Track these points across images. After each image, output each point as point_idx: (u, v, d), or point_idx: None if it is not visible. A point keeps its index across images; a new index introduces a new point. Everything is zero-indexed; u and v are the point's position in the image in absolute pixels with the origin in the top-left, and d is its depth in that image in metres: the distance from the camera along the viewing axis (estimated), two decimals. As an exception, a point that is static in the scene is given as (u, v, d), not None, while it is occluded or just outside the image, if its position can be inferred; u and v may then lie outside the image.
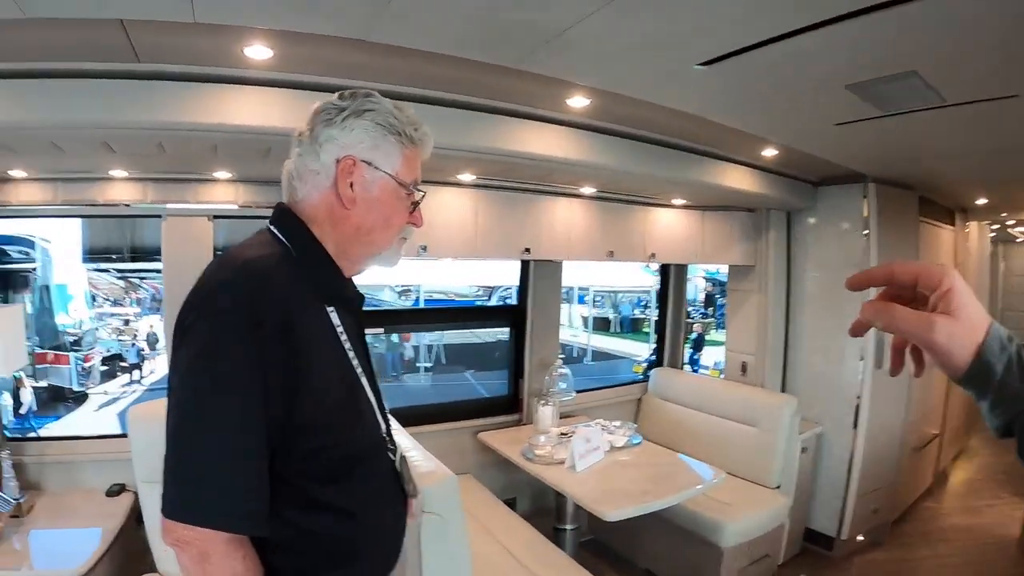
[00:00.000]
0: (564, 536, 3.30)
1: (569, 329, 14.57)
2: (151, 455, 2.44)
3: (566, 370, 3.84)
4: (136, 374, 9.65)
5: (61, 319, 9.18)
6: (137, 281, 12.30)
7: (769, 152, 3.32)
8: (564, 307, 15.04)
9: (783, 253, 4.25)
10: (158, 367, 9.82)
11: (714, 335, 15.31)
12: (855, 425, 3.89)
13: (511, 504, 3.89)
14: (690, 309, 15.00)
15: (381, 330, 3.57)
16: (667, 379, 4.48)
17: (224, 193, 3.08)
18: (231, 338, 0.98)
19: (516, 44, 1.86)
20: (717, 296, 14.65)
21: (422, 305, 13.57)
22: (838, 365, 4.00)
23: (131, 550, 2.57)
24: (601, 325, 16.39)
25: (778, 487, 3.69)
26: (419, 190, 1.24)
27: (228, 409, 0.98)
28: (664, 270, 4.80)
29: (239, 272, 1.04)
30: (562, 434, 3.49)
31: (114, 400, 8.97)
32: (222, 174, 2.95)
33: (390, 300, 13.40)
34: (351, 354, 1.20)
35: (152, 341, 10.84)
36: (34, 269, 8.57)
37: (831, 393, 4.04)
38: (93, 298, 10.87)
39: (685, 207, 4.04)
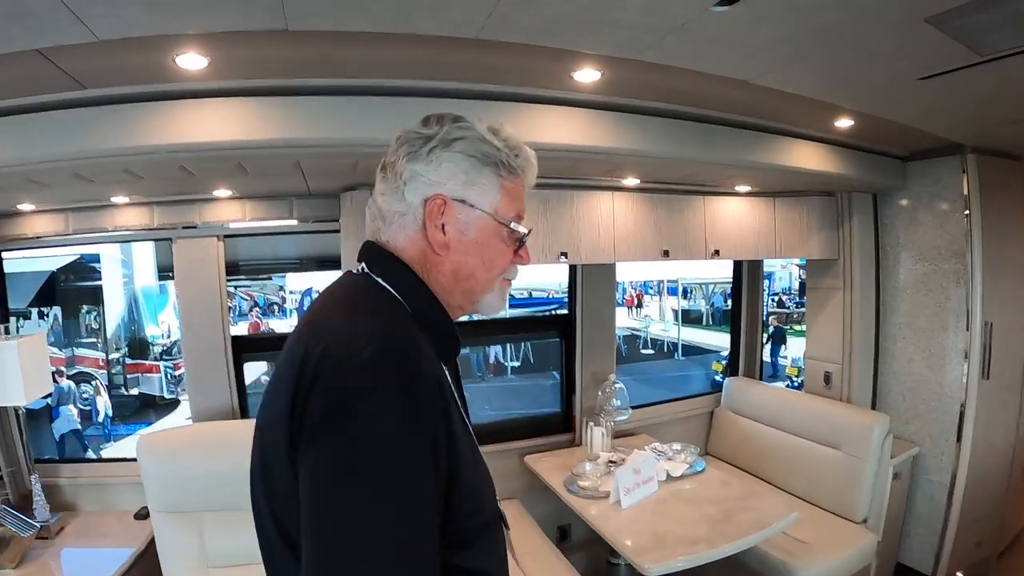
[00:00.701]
0: (618, 572, 2.91)
1: (660, 323, 13.96)
2: (162, 485, 2.42)
3: (621, 385, 3.43)
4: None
5: (151, 330, 9.71)
6: (232, 291, 12.95)
7: (843, 123, 2.77)
8: (654, 300, 14.49)
9: (870, 242, 3.63)
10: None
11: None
12: (958, 439, 3.25)
13: (565, 531, 3.55)
14: (784, 298, 14.21)
15: None
16: (742, 390, 3.96)
17: (231, 211, 2.90)
18: (401, 429, 0.80)
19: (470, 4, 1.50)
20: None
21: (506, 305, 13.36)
22: (939, 371, 3.36)
23: (149, 573, 2.49)
24: (693, 318, 15.74)
25: (865, 521, 3.12)
26: (521, 227, 1.06)
27: (409, 516, 0.79)
28: (736, 265, 4.26)
29: (387, 350, 0.84)
30: (611, 462, 3.09)
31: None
32: (223, 192, 2.76)
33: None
34: (462, 410, 1.05)
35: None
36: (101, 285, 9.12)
37: (930, 405, 3.41)
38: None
39: (751, 194, 3.51)
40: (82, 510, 2.94)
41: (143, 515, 2.73)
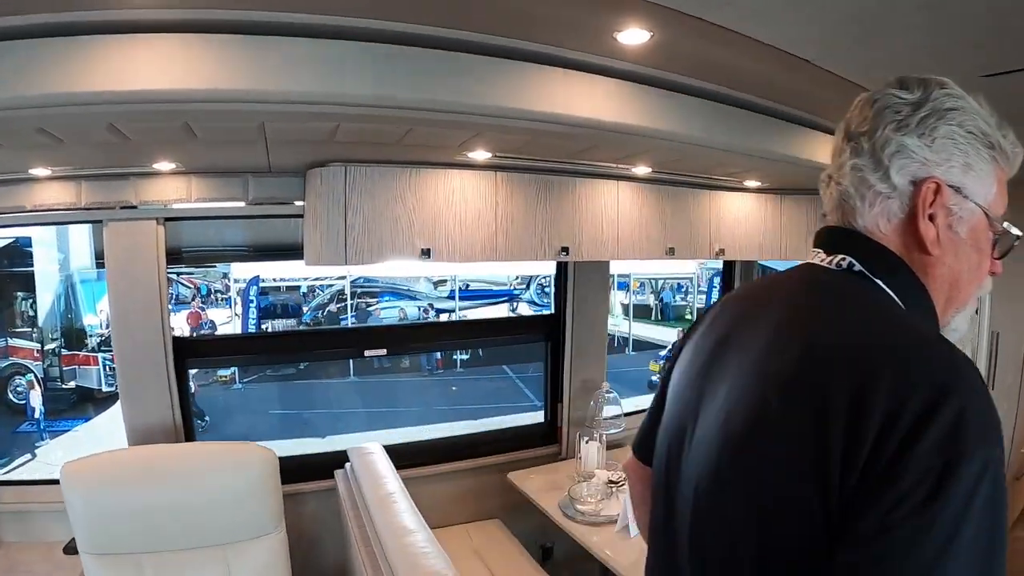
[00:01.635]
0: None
1: (610, 318, 13.77)
2: (91, 523, 2.03)
3: (615, 394, 3.07)
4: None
5: (89, 320, 9.01)
6: (174, 277, 12.08)
7: None
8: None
9: (877, 244, 3.38)
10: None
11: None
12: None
13: (547, 551, 3.16)
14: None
15: (383, 352, 2.85)
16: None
17: (174, 189, 2.38)
18: (999, 504, 0.61)
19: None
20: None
21: (457, 296, 12.97)
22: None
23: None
24: (641, 313, 15.63)
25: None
26: (1015, 229, 0.87)
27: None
28: (728, 264, 3.95)
29: (986, 394, 0.68)
30: (611, 482, 2.72)
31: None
32: (165, 165, 2.24)
33: (426, 290, 12.84)
34: None
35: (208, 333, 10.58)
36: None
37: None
38: None
39: (759, 191, 3.19)
40: (3, 541, 2.46)
41: (74, 549, 2.23)
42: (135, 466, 2.15)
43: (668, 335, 13.24)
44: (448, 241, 2.32)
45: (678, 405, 0.88)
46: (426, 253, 2.27)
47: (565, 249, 2.52)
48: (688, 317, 13.91)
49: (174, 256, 2.67)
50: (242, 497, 2.21)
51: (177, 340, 2.57)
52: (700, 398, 0.82)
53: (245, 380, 9.80)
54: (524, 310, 13.69)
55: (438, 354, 11.22)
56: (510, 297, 13.91)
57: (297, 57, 1.42)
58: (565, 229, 2.54)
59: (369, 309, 12.13)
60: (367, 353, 2.77)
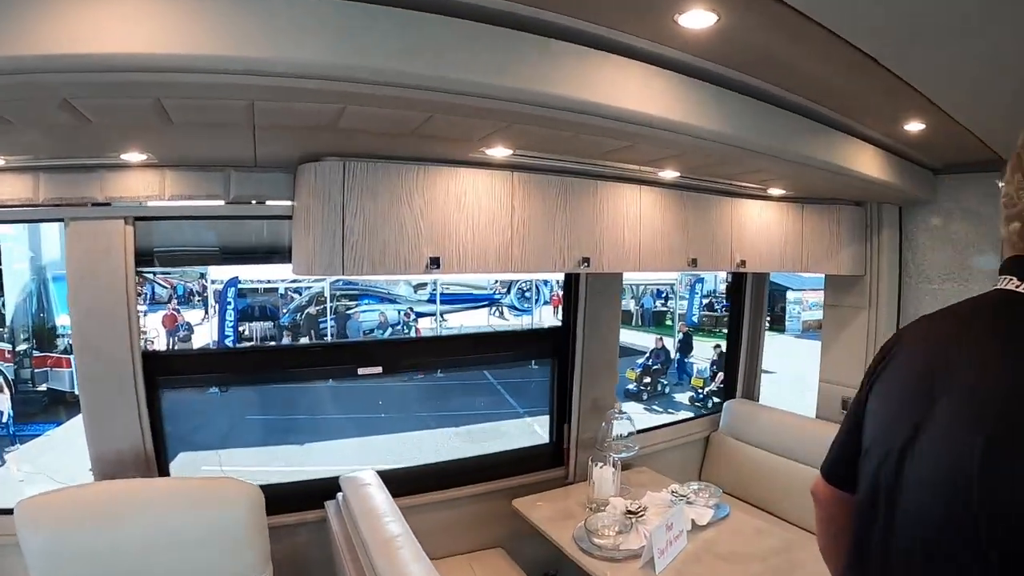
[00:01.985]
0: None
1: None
2: (52, 566, 1.73)
3: (627, 414, 2.78)
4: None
5: (62, 320, 8.54)
6: (150, 276, 11.53)
7: (913, 126, 2.28)
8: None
9: (897, 258, 3.15)
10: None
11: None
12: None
13: (554, 581, 2.87)
14: (711, 300, 14.11)
15: (378, 370, 2.52)
16: (745, 415, 3.40)
17: (145, 184, 2.04)
18: None
19: None
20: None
21: (438, 300, 12.62)
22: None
23: None
24: (623, 318, 15.42)
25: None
26: None
27: None
28: (738, 276, 3.69)
29: None
30: (630, 512, 2.43)
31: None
32: (134, 156, 1.90)
33: (406, 294, 12.47)
34: None
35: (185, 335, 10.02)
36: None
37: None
38: None
39: (782, 199, 2.94)
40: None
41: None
42: (100, 505, 1.81)
43: (648, 341, 13.04)
44: (460, 249, 2.02)
45: (885, 434, 0.89)
46: (435, 263, 1.96)
47: (586, 260, 2.23)
48: (668, 323, 13.77)
49: (144, 258, 2.32)
50: (223, 539, 1.88)
51: (148, 356, 2.22)
52: (916, 427, 0.81)
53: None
54: (511, 314, 13.45)
55: (419, 359, 10.86)
56: (491, 302, 13.62)
57: (302, 18, 1.11)
58: (586, 237, 2.25)
59: (348, 312, 11.72)
60: (361, 371, 2.45)
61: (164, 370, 2.32)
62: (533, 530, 2.51)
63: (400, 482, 2.47)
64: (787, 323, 13.89)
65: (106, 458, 2.13)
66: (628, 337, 14.08)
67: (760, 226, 2.88)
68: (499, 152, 1.91)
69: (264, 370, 2.44)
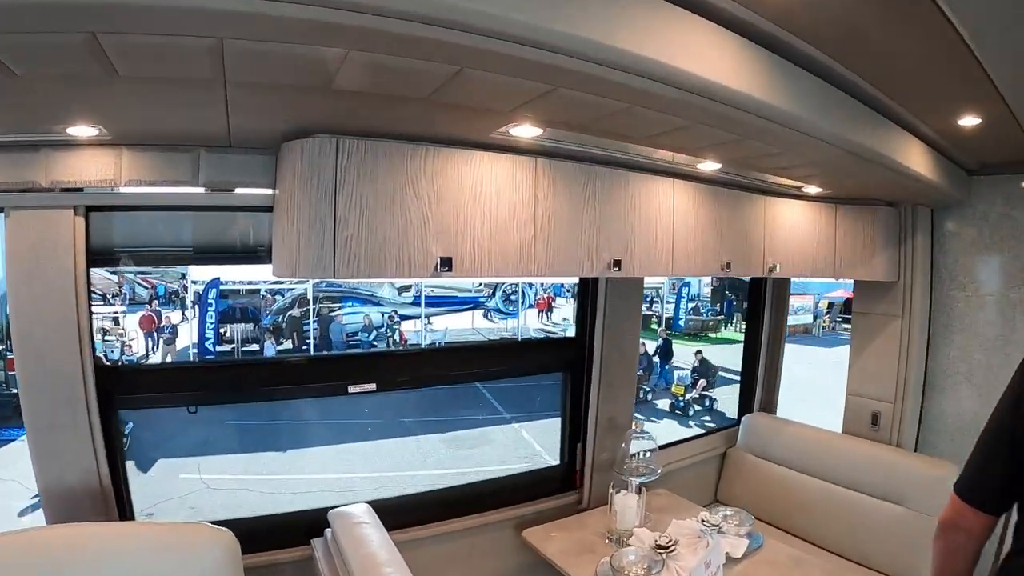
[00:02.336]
0: None
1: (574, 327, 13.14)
2: None
3: (649, 433, 2.44)
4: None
5: None
6: (131, 276, 10.97)
7: (968, 120, 2.01)
8: (567, 304, 13.50)
9: (929, 263, 2.86)
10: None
11: (724, 332, 14.16)
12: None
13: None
14: (696, 305, 13.84)
15: (372, 387, 2.13)
16: (766, 429, 3.07)
17: (98, 166, 1.65)
18: None
19: None
20: (727, 292, 13.36)
21: (423, 303, 12.19)
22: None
23: None
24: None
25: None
26: None
27: None
28: (756, 281, 3.36)
29: None
30: (659, 547, 2.08)
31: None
32: (82, 130, 1.51)
33: (390, 296, 12.03)
34: None
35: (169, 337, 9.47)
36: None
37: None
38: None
39: (818, 198, 2.63)
40: None
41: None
42: (46, 556, 1.41)
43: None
44: (475, 248, 1.65)
45: None
46: (446, 264, 1.59)
47: (617, 263, 1.88)
48: (653, 326, 13.47)
49: (103, 256, 1.94)
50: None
51: (104, 371, 1.82)
52: None
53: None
54: (495, 317, 13.08)
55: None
56: (476, 304, 13.23)
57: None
58: (616, 236, 1.90)
59: (332, 315, 11.24)
60: (352, 389, 2.07)
61: (123, 387, 1.92)
62: (547, 565, 2.16)
63: (395, 513, 2.10)
64: None
65: (55, 492, 1.73)
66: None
67: (792, 227, 2.56)
68: (526, 132, 1.54)
69: (241, 387, 2.05)
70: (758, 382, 3.26)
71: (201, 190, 1.83)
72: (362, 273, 1.49)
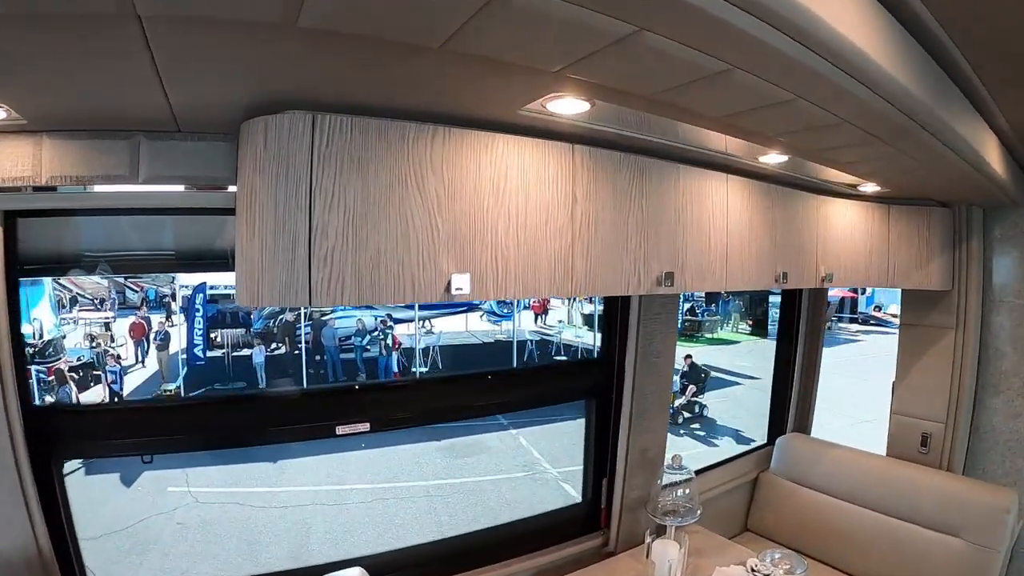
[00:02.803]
0: None
1: (570, 329, 12.73)
2: None
3: (687, 469, 2.01)
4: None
5: (23, 328, 7.42)
6: (121, 280, 10.40)
7: None
8: (562, 306, 13.07)
9: (981, 271, 2.46)
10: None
11: (719, 333, 13.74)
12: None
13: None
14: (692, 305, 13.42)
15: (365, 427, 1.66)
16: (803, 452, 2.65)
17: (13, 158, 1.20)
18: None
19: None
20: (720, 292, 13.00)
21: (416, 306, 11.70)
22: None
23: None
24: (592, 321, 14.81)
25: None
26: None
27: None
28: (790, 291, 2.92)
29: None
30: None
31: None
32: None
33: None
34: None
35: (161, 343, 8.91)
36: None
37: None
38: (59, 303, 9.00)
39: (872, 198, 2.21)
40: None
41: None
42: None
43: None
44: (498, 262, 1.20)
45: None
46: (461, 284, 1.14)
47: (669, 276, 1.44)
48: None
49: (61, 262, 1.51)
50: None
51: (36, 416, 1.36)
52: None
53: (191, 395, 8.28)
54: (487, 319, 12.63)
55: (395, 367, 9.93)
56: (470, 307, 12.74)
57: None
58: (666, 243, 1.46)
59: (324, 319, 10.69)
60: (341, 431, 1.62)
61: (64, 434, 1.46)
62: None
63: (400, 567, 1.66)
64: (770, 327, 13.28)
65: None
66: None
67: (844, 231, 2.14)
68: (567, 108, 1.10)
69: (206, 431, 1.59)
70: (792, 400, 2.83)
71: (175, 188, 1.38)
72: (348, 298, 1.04)
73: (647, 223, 1.41)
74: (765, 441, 2.89)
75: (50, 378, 7.65)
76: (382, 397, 1.76)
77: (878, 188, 2.07)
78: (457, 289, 1.13)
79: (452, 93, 1.05)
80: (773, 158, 1.54)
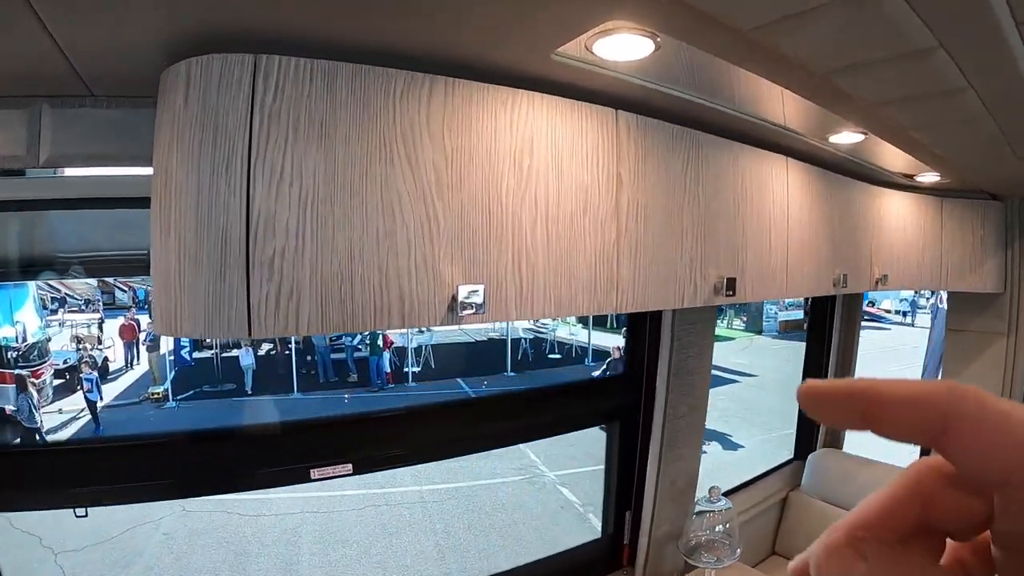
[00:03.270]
0: None
1: (564, 327, 12.35)
2: None
3: (725, 500, 1.67)
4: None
5: (4, 331, 7.00)
6: (111, 280, 9.93)
7: None
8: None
9: (1033, 268, 2.14)
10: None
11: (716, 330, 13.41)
12: None
13: None
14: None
15: (347, 468, 1.30)
16: (834, 469, 2.32)
17: None
18: None
19: None
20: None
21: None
22: None
23: None
24: (598, 320, 14.53)
25: None
26: None
27: None
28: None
29: None
30: None
31: (73, 419, 6.77)
32: None
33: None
34: None
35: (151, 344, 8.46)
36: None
37: None
38: (43, 303, 8.53)
39: (927, 190, 1.88)
40: None
41: None
42: None
43: (621, 342, 11.96)
44: (521, 268, 0.84)
45: None
46: (472, 302, 0.79)
47: (730, 283, 1.10)
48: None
49: (32, 265, 1.18)
50: None
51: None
52: None
53: (179, 398, 7.82)
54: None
55: (388, 368, 9.51)
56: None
57: None
58: (725, 241, 1.12)
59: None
60: (316, 475, 1.26)
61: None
62: None
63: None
64: (764, 323, 12.92)
65: None
66: (605, 340, 13.04)
67: (897, 227, 1.81)
68: (620, 50, 0.75)
69: (164, 477, 1.21)
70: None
71: (88, 171, 1.02)
72: (308, 324, 0.68)
73: (705, 216, 1.07)
74: (792, 456, 2.55)
75: (36, 380, 7.24)
76: (368, 433, 1.40)
77: (938, 177, 1.73)
78: (466, 309, 0.77)
79: (458, 27, 0.70)
80: (846, 137, 1.20)
